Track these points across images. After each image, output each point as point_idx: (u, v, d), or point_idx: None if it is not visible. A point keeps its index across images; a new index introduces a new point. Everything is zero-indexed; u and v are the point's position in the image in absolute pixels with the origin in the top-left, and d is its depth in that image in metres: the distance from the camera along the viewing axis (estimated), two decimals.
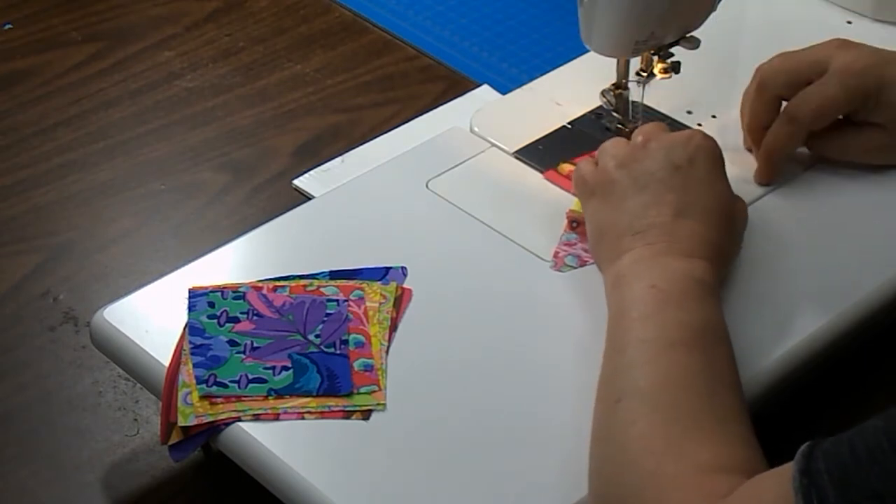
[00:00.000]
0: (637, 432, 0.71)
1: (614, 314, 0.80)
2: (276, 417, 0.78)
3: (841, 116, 0.94)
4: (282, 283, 0.86)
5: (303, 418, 0.78)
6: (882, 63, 0.92)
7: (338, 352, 0.82)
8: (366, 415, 0.79)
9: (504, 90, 1.10)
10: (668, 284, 0.78)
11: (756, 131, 0.96)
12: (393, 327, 0.84)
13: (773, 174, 0.94)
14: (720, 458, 0.69)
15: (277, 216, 0.94)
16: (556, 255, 0.90)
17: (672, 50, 0.95)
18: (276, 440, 0.77)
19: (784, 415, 0.82)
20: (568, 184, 0.95)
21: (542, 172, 0.97)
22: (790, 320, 0.84)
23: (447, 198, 0.94)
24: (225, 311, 0.84)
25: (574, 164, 0.96)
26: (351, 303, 0.85)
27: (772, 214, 0.92)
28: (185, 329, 0.83)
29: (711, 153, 0.86)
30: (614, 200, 0.85)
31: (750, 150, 0.97)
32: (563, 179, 0.95)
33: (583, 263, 0.89)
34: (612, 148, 0.88)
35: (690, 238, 0.81)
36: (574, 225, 0.91)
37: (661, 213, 0.82)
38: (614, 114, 0.99)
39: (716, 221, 0.83)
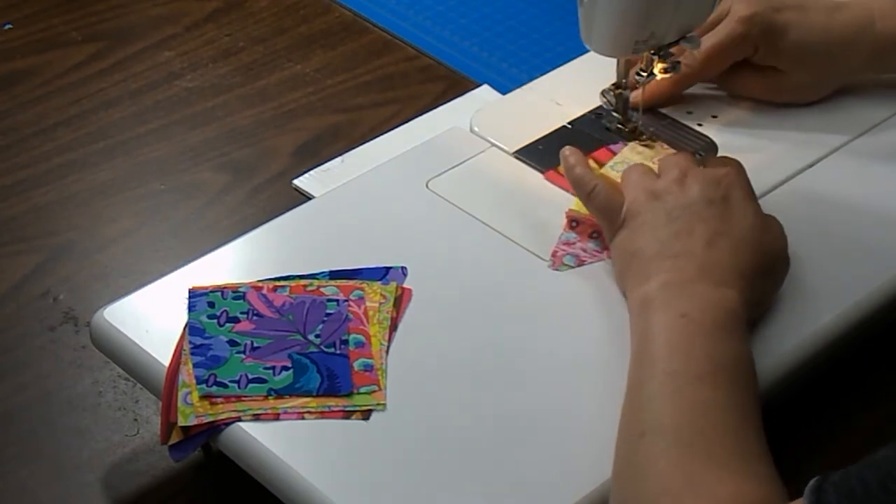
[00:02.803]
0: (658, 470, 0.71)
1: (640, 340, 0.79)
2: (276, 417, 0.78)
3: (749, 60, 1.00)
4: (282, 283, 0.86)
5: (303, 418, 0.78)
6: (770, 10, 0.98)
7: (338, 352, 0.82)
8: (366, 415, 0.79)
9: (504, 90, 1.10)
10: (700, 314, 0.77)
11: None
12: (393, 327, 0.84)
13: (646, 105, 0.99)
14: (740, 494, 0.69)
15: (277, 216, 0.94)
16: (554, 254, 0.90)
17: (672, 50, 0.96)
18: (276, 440, 0.77)
19: (784, 415, 0.82)
20: (568, 184, 0.95)
21: (542, 173, 0.97)
22: (794, 318, 0.84)
23: (447, 198, 0.94)
24: (225, 311, 0.84)
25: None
26: (351, 303, 0.85)
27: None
28: (185, 329, 0.83)
29: (743, 186, 0.86)
30: (646, 229, 0.84)
31: None
32: (564, 180, 0.95)
33: (581, 263, 0.89)
34: (642, 180, 0.87)
35: (720, 267, 0.81)
36: (573, 224, 0.91)
37: (693, 241, 0.82)
38: (614, 114, 0.99)
39: (746, 253, 0.82)
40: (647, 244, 0.83)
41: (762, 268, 0.83)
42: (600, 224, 0.89)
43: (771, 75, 1.00)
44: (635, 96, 0.98)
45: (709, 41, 0.97)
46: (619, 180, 0.90)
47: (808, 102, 1.02)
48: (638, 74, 0.97)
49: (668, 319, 0.78)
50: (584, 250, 0.90)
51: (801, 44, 0.98)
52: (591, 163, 0.96)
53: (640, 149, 0.97)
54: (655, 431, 0.73)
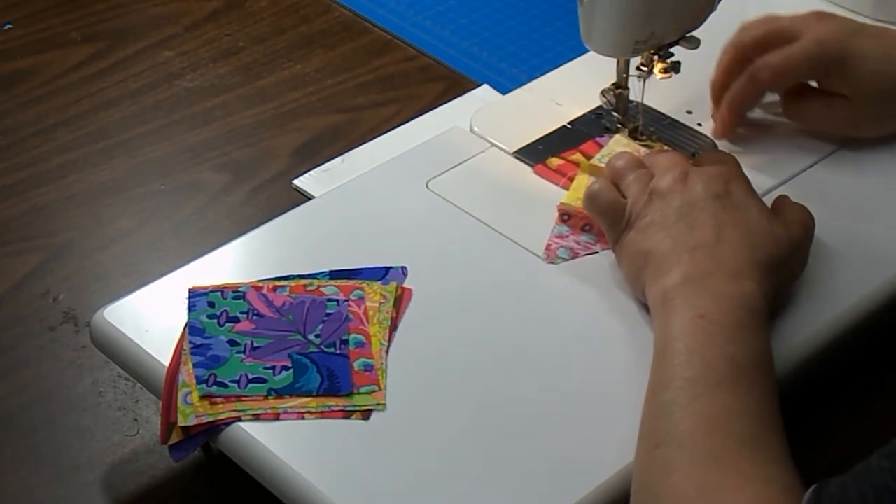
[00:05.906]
0: (673, 482, 0.70)
1: (659, 344, 0.78)
2: (276, 417, 0.78)
3: (814, 85, 0.97)
4: (282, 282, 0.86)
5: (303, 418, 0.79)
6: (848, 35, 0.94)
7: (338, 352, 0.82)
8: (366, 415, 0.79)
9: (504, 90, 1.10)
10: (718, 315, 0.77)
11: (718, 86, 0.98)
12: (393, 327, 0.84)
13: (729, 129, 0.98)
14: (757, 502, 0.68)
15: (277, 216, 0.94)
16: (547, 247, 0.90)
17: (672, 50, 0.96)
18: (276, 440, 0.77)
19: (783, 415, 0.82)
20: (556, 177, 0.95)
21: (531, 166, 0.97)
22: (791, 319, 0.84)
23: (447, 197, 0.94)
24: (225, 310, 0.84)
25: (562, 158, 0.96)
26: (351, 303, 0.85)
27: None
28: (185, 329, 0.83)
29: (743, 180, 0.86)
30: (656, 228, 0.84)
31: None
32: (552, 173, 0.96)
33: (574, 255, 0.89)
34: (640, 179, 0.87)
35: (737, 258, 0.80)
36: (565, 217, 0.91)
37: (706, 234, 0.82)
38: (614, 113, 0.99)
39: (760, 243, 0.82)
40: (659, 242, 0.83)
41: (778, 258, 0.82)
42: (602, 225, 0.88)
43: (839, 105, 0.96)
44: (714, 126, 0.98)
45: (779, 57, 0.94)
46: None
47: (871, 137, 0.97)
48: (638, 69, 0.96)
49: (687, 321, 0.77)
50: (578, 243, 0.90)
51: (875, 74, 0.94)
52: (579, 156, 0.96)
53: (626, 140, 0.97)
54: (671, 442, 0.72)
